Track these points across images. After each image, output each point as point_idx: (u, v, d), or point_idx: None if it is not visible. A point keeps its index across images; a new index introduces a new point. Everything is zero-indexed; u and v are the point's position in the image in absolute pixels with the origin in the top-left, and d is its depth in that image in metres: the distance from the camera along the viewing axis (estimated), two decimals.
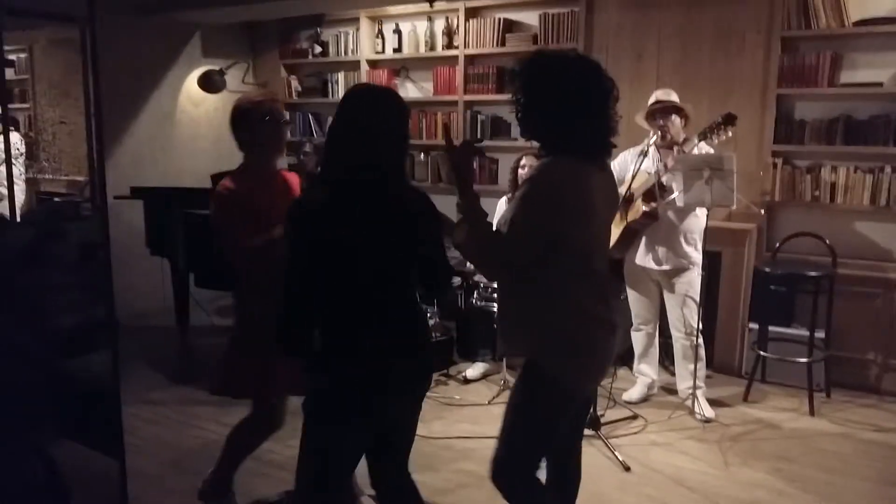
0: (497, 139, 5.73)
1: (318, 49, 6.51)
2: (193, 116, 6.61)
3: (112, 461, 3.05)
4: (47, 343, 3.19)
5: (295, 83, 6.72)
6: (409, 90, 6.19)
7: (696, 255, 4.04)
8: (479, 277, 4.54)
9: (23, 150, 5.62)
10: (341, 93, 6.26)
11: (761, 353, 4.38)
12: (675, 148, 3.96)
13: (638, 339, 4.29)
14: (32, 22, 4.71)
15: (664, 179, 3.93)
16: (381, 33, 6.21)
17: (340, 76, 6.42)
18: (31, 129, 6.36)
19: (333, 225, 2.02)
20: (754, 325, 4.58)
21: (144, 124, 6.19)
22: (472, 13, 5.76)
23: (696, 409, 4.04)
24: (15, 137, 5.38)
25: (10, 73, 6.50)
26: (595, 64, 2.14)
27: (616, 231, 3.87)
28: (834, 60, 4.46)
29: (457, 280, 4.96)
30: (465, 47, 5.75)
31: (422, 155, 6.09)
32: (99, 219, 3.02)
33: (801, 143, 4.60)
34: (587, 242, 2.14)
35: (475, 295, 4.52)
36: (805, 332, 4.29)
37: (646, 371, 4.31)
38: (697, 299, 4.02)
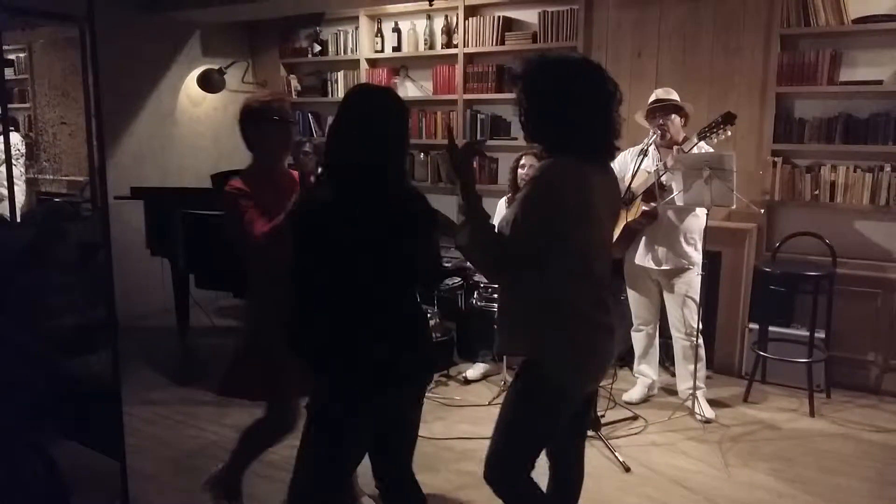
0: (497, 138, 5.72)
1: (317, 48, 6.50)
2: (193, 116, 6.61)
3: (112, 461, 3.05)
4: (47, 343, 3.20)
5: (294, 82, 6.72)
6: (409, 89, 6.18)
7: (696, 255, 4.03)
8: (479, 278, 4.53)
9: (23, 150, 5.62)
10: (341, 92, 6.30)
11: (761, 353, 4.38)
12: (675, 147, 3.96)
13: (638, 339, 4.29)
14: (32, 21, 4.71)
15: (664, 179, 3.92)
16: (380, 32, 6.20)
17: (340, 75, 6.41)
18: (31, 129, 6.35)
19: (336, 225, 2.02)
20: (754, 326, 4.58)
21: (144, 124, 6.19)
22: (471, 11, 5.75)
23: (697, 410, 4.04)
24: (15, 138, 5.38)
25: (9, 73, 6.49)
26: (597, 66, 2.14)
27: (615, 230, 3.87)
28: (833, 58, 4.46)
29: (457, 280, 4.96)
30: (464, 46, 5.74)
31: (421, 154, 6.08)
32: (99, 219, 3.02)
33: (801, 141, 4.60)
34: (587, 244, 2.13)
35: (475, 295, 4.52)
36: (805, 333, 4.29)
37: (646, 372, 4.31)
38: (697, 299, 4.02)
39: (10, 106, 6.25)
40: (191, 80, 6.50)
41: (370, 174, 2.07)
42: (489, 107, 5.82)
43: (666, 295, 4.15)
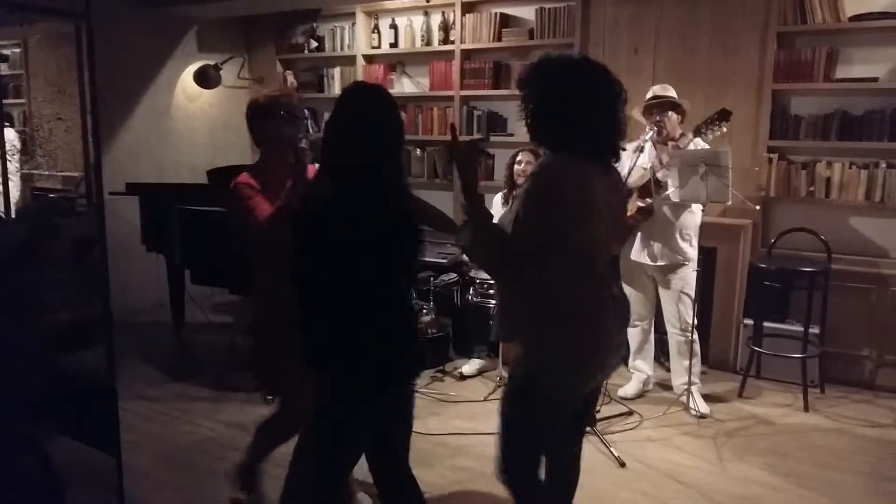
0: (494, 135, 5.72)
1: (313, 44, 6.49)
2: (189, 112, 6.60)
3: (107, 457, 3.05)
4: (42, 339, 3.19)
5: (291, 78, 6.70)
6: (406, 85, 6.17)
7: (692, 251, 4.04)
8: (475, 274, 4.54)
9: (18, 146, 5.61)
10: (337, 88, 6.30)
11: (756, 348, 4.40)
12: (671, 143, 3.96)
13: (633, 335, 4.30)
14: (29, 17, 4.70)
15: (660, 175, 3.93)
16: (377, 28, 6.19)
17: (336, 71, 6.40)
18: (26, 125, 6.34)
19: (337, 224, 2.02)
20: (749, 321, 4.59)
21: (140, 120, 6.18)
22: (468, 8, 5.74)
23: (691, 405, 4.05)
24: (10, 134, 5.37)
25: (4, 68, 6.48)
26: (602, 66, 2.13)
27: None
28: (829, 55, 4.46)
29: (453, 276, 4.97)
30: (461, 42, 5.74)
31: (418, 151, 6.08)
32: (94, 215, 3.02)
33: (797, 138, 4.61)
34: (587, 242, 2.11)
35: (471, 291, 4.52)
36: (800, 328, 4.31)
37: (641, 367, 4.32)
38: (693, 295, 4.03)
39: (4, 101, 6.25)
40: (187, 75, 6.49)
41: (369, 173, 2.07)
42: (486, 103, 5.81)
43: (661, 290, 4.16)
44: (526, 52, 5.56)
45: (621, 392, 4.26)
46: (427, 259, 5.20)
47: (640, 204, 3.92)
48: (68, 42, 3.22)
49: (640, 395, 4.28)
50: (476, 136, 5.66)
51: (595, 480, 3.31)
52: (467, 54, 5.79)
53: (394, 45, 6.13)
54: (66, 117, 5.85)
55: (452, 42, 5.80)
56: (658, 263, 4.06)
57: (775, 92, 4.62)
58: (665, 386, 4.39)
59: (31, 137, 6.24)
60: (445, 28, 5.84)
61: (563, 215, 2.03)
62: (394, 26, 6.10)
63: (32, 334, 3.16)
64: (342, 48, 6.37)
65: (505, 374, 4.51)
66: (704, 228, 4.04)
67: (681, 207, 3.98)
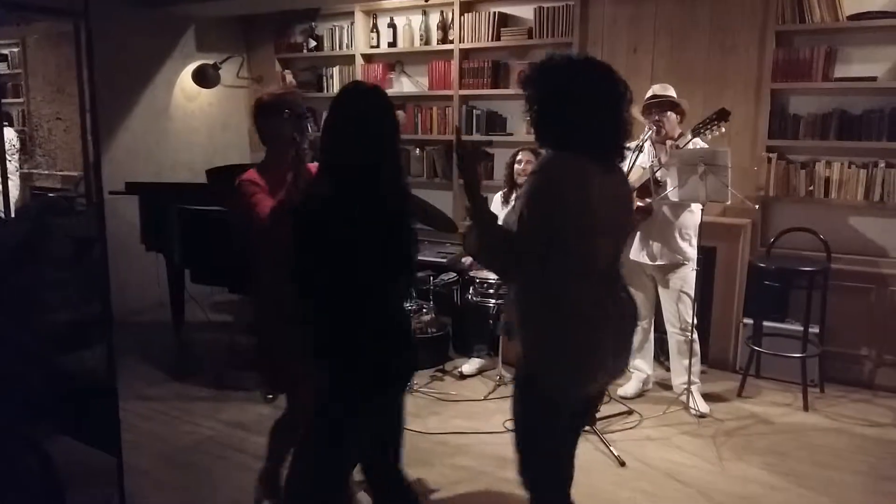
0: (493, 134, 5.73)
1: (312, 43, 6.48)
2: (188, 111, 6.59)
3: (108, 457, 3.05)
4: (42, 339, 3.19)
5: (289, 77, 6.70)
6: (405, 84, 6.17)
7: (691, 251, 4.05)
8: (475, 273, 4.54)
9: (17, 145, 5.61)
10: (336, 87, 6.29)
11: (755, 348, 4.40)
12: (669, 143, 3.97)
13: None
14: (28, 16, 4.69)
15: (658, 175, 3.93)
16: (375, 27, 6.19)
17: (335, 70, 6.40)
18: (25, 124, 6.33)
19: (337, 224, 2.02)
20: (748, 321, 4.59)
21: (139, 119, 6.17)
22: (466, 7, 5.74)
23: (691, 405, 4.05)
24: (10, 134, 5.36)
25: (2, 68, 6.48)
26: (607, 67, 2.12)
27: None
28: (828, 55, 4.47)
29: (452, 275, 4.97)
30: (460, 41, 5.74)
31: (417, 150, 6.08)
32: (94, 214, 3.02)
33: (796, 137, 4.61)
34: (588, 242, 2.09)
35: (471, 291, 4.52)
36: (799, 328, 4.31)
37: (641, 366, 4.32)
38: (692, 294, 4.03)
39: (3, 101, 6.25)
40: (185, 75, 6.49)
41: (367, 172, 2.08)
42: (485, 102, 5.81)
43: (661, 290, 4.16)
44: (525, 52, 5.56)
45: (621, 391, 4.26)
46: (427, 258, 5.21)
47: (640, 203, 3.94)
48: (67, 41, 3.21)
49: (640, 395, 4.28)
50: (479, 141, 5.66)
51: (595, 479, 3.32)
52: (466, 53, 5.79)
53: (392, 44, 6.13)
54: (65, 117, 5.85)
55: (451, 41, 5.79)
56: (657, 263, 4.06)
57: (774, 91, 4.62)
58: (665, 385, 4.39)
59: (31, 137, 6.24)
60: (444, 27, 5.84)
61: (564, 213, 2.02)
62: (392, 25, 6.09)
63: (32, 334, 3.16)
64: (341, 47, 6.36)
65: (505, 373, 4.52)
66: (704, 228, 4.05)
67: (680, 207, 3.99)
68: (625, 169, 3.86)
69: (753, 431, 3.89)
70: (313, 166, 2.87)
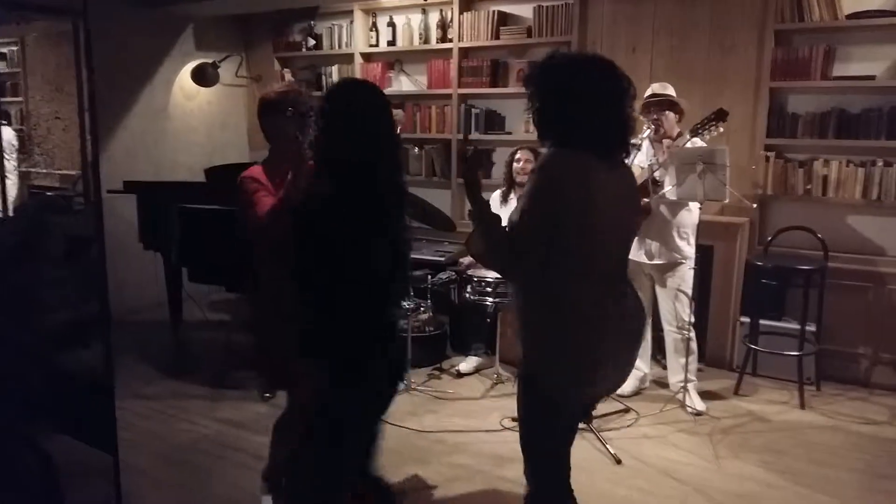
0: (491, 133, 5.73)
1: (311, 42, 6.48)
2: (187, 110, 6.59)
3: (105, 455, 3.05)
4: (40, 338, 3.20)
5: (288, 76, 6.70)
6: (404, 83, 6.17)
7: (689, 250, 4.05)
8: (472, 272, 4.54)
9: (16, 144, 5.60)
10: None
11: (752, 346, 4.41)
12: (667, 142, 3.97)
13: None
14: (27, 16, 4.69)
15: (657, 174, 3.94)
16: (374, 26, 6.19)
17: (334, 69, 6.40)
18: (24, 123, 6.33)
19: (337, 223, 2.03)
20: (746, 319, 4.60)
21: (137, 118, 6.18)
22: (466, 6, 5.74)
23: (688, 403, 4.06)
24: (8, 133, 5.36)
25: (1, 66, 6.47)
26: (610, 63, 2.11)
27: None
28: (827, 53, 4.47)
29: (450, 274, 4.97)
30: (459, 40, 5.74)
31: (416, 149, 6.08)
32: (92, 213, 3.02)
33: (794, 136, 4.61)
34: (590, 241, 2.06)
35: (468, 289, 4.52)
36: (796, 326, 4.31)
37: (638, 364, 4.31)
38: (690, 293, 4.04)
39: (2, 99, 6.24)
40: (184, 73, 6.49)
41: (364, 169, 2.08)
42: (484, 101, 5.82)
43: (658, 289, 4.17)
44: (524, 51, 5.56)
45: (618, 389, 4.26)
46: (425, 257, 5.21)
47: None
48: (66, 40, 3.22)
49: (637, 393, 4.28)
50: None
51: (591, 477, 3.32)
52: (465, 52, 5.79)
53: (392, 43, 6.13)
54: (64, 115, 5.84)
55: (450, 40, 5.79)
56: (655, 262, 4.06)
57: (773, 90, 4.62)
58: (662, 383, 4.40)
59: (29, 136, 6.24)
60: (443, 26, 5.84)
61: (565, 212, 2.00)
62: (392, 24, 6.09)
63: (30, 333, 3.16)
64: (340, 46, 6.36)
65: (502, 371, 4.53)
66: (702, 226, 4.05)
67: (678, 206, 3.99)
68: None
69: (750, 429, 3.89)
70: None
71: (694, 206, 4.01)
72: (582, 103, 2.06)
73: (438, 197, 5.48)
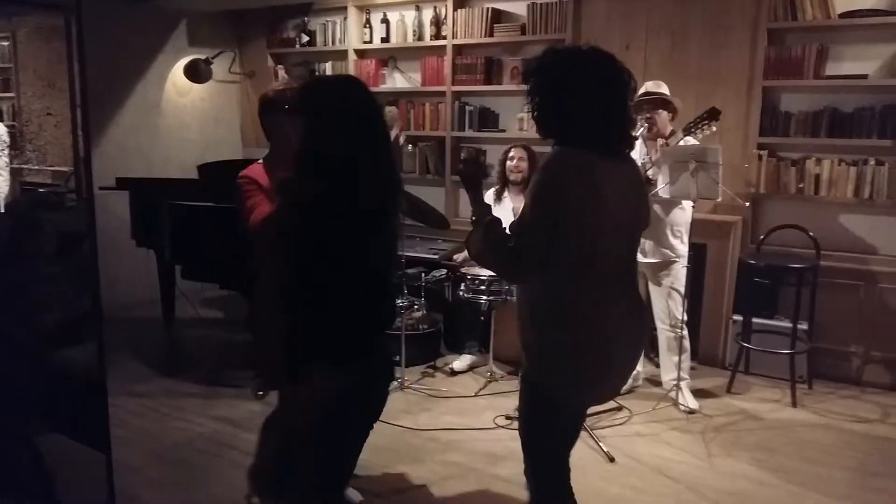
0: (485, 130, 5.73)
1: (305, 38, 6.47)
2: (179, 106, 6.57)
3: (98, 453, 3.04)
4: (32, 335, 3.18)
5: (282, 73, 6.68)
6: (397, 80, 6.17)
7: (682, 248, 4.06)
8: (466, 270, 4.55)
9: (7, 140, 5.57)
10: None
11: (745, 344, 4.43)
12: (660, 140, 3.98)
13: None
14: (20, 11, 4.66)
15: (650, 172, 3.94)
16: (368, 23, 6.18)
17: (328, 66, 6.38)
18: (15, 119, 6.29)
19: (328, 219, 2.02)
20: (738, 317, 4.62)
21: (130, 114, 6.15)
22: (460, 3, 5.74)
23: (681, 401, 4.07)
24: (0, 129, 5.33)
25: None
26: (609, 56, 2.08)
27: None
28: (819, 52, 4.48)
29: (443, 272, 4.98)
30: (453, 37, 5.73)
31: (410, 146, 6.07)
32: (84, 209, 3.00)
33: (787, 135, 4.63)
34: (592, 241, 2.03)
35: (462, 287, 4.53)
36: (788, 324, 4.33)
37: None
38: (683, 291, 4.05)
39: None
40: (177, 69, 6.46)
41: (352, 164, 2.07)
42: (478, 98, 5.81)
43: (651, 287, 4.17)
44: (518, 48, 5.56)
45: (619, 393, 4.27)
46: (418, 255, 5.21)
47: None
48: (58, 36, 3.20)
49: (630, 391, 4.29)
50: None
51: (584, 476, 3.32)
52: (459, 49, 5.78)
53: (385, 39, 6.12)
54: (56, 112, 5.81)
55: (444, 37, 5.79)
56: (648, 260, 4.07)
57: (765, 89, 4.64)
58: (654, 381, 4.41)
59: (21, 132, 6.20)
60: (437, 23, 5.83)
61: (566, 212, 1.98)
62: (385, 21, 6.08)
63: (22, 330, 3.15)
64: (334, 43, 6.35)
65: (496, 369, 4.53)
66: (695, 225, 4.06)
67: (671, 204, 4.00)
68: None
69: (742, 427, 3.91)
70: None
71: (687, 205, 4.02)
72: (583, 97, 2.03)
73: (432, 194, 5.48)
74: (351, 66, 6.21)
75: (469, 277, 4.45)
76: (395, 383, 4.25)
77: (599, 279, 2.07)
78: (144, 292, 5.52)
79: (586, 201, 2.00)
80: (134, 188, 5.06)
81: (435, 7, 5.84)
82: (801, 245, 4.55)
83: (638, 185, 2.25)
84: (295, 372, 2.37)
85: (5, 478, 2.85)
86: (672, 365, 4.13)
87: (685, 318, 4.08)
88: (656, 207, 4.01)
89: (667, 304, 4.10)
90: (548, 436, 2.22)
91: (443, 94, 5.84)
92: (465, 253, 4.69)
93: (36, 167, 6.06)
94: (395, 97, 6.07)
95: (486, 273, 4.35)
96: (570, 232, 2.00)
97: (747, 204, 4.51)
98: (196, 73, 6.42)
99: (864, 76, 4.40)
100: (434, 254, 5.25)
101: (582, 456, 3.50)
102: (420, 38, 5.95)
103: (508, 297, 4.32)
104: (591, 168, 2.02)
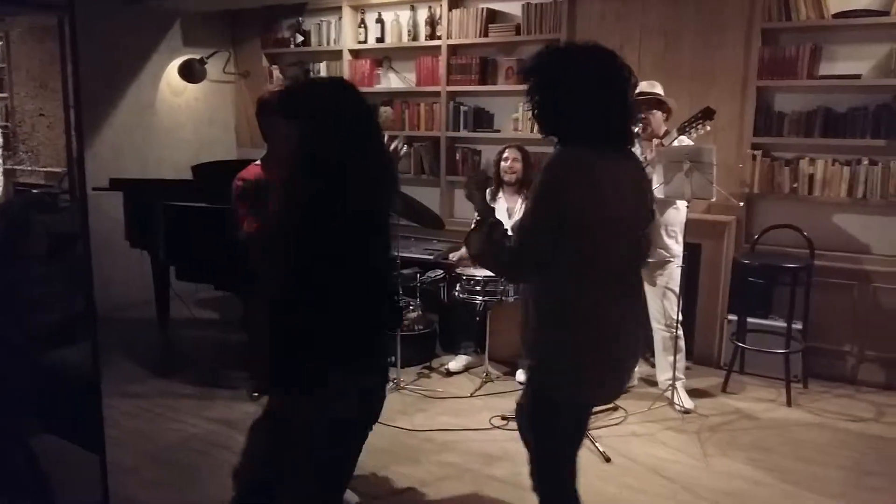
0: (480, 131, 5.73)
1: (299, 38, 6.45)
2: (174, 106, 6.55)
3: (92, 454, 3.03)
4: (26, 336, 3.17)
5: (276, 73, 6.67)
6: (392, 80, 6.16)
7: (677, 248, 4.07)
8: (461, 270, 4.54)
9: (1, 141, 5.55)
10: None
11: (740, 344, 4.43)
12: (655, 140, 3.99)
13: None
14: (12, 11, 4.64)
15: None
16: (363, 23, 6.17)
17: (323, 66, 6.37)
18: (8, 119, 6.26)
19: (325, 219, 2.02)
20: (733, 317, 4.63)
21: (124, 114, 6.13)
22: (455, 3, 5.73)
23: (676, 401, 4.08)
24: None
25: None
26: (609, 52, 2.07)
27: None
28: (813, 52, 4.49)
29: (439, 272, 4.97)
30: (448, 37, 5.73)
31: (405, 146, 6.04)
32: (78, 210, 2.99)
33: (781, 135, 4.63)
34: (594, 241, 2.02)
35: (457, 288, 4.52)
36: (783, 324, 4.34)
37: None
38: (677, 291, 4.06)
39: None
40: (171, 69, 6.44)
41: (344, 166, 2.06)
42: (472, 99, 5.81)
43: (646, 287, 4.17)
44: (512, 48, 5.56)
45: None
46: (414, 255, 5.20)
47: None
48: (51, 36, 3.18)
49: (626, 391, 4.29)
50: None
51: (581, 476, 3.29)
52: (454, 50, 5.78)
53: (380, 39, 6.11)
54: (49, 112, 5.79)
55: (439, 37, 5.78)
56: None
57: (759, 89, 4.64)
58: (650, 381, 4.42)
59: (14, 133, 6.17)
60: (432, 23, 5.83)
61: (570, 211, 1.97)
62: (380, 21, 6.07)
63: (16, 331, 3.13)
64: (328, 43, 6.34)
65: (491, 370, 4.53)
66: (689, 225, 4.07)
67: (666, 204, 4.00)
68: None
69: (738, 427, 3.92)
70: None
71: (681, 205, 4.03)
72: (583, 94, 2.02)
73: (427, 195, 5.47)
74: (345, 67, 6.20)
75: (465, 278, 4.45)
76: (390, 384, 4.24)
77: (600, 278, 2.06)
78: (138, 293, 5.50)
79: (588, 201, 1.99)
80: (128, 189, 5.04)
81: (430, 7, 5.84)
82: (796, 245, 4.56)
83: (641, 182, 2.23)
84: (292, 374, 2.37)
85: (0, 478, 2.84)
86: (667, 365, 4.14)
87: (680, 317, 4.09)
88: None
89: (662, 304, 4.11)
90: (548, 436, 2.21)
91: (438, 94, 5.84)
92: (462, 251, 4.70)
93: (29, 168, 6.04)
94: (390, 97, 6.07)
95: (481, 273, 4.35)
96: (572, 232, 1.99)
97: (741, 204, 4.52)
98: (190, 72, 6.40)
99: (858, 76, 4.42)
100: (429, 254, 5.25)
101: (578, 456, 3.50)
102: (415, 38, 5.95)
103: (504, 298, 4.32)
104: (593, 167, 2.01)
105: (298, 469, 2.22)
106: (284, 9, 6.44)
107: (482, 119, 5.76)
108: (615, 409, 4.06)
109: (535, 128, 5.49)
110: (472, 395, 4.31)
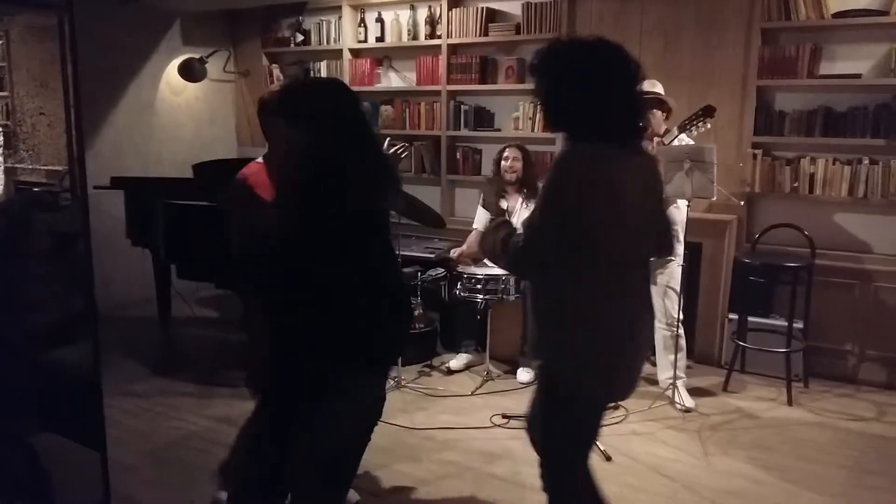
0: (480, 130, 5.73)
1: (299, 37, 6.45)
2: (174, 105, 6.55)
3: (93, 453, 3.03)
4: (27, 335, 3.17)
5: (277, 72, 6.67)
6: (392, 80, 6.16)
7: (678, 247, 4.06)
8: (462, 268, 4.54)
9: (1, 140, 5.55)
10: None
11: (741, 343, 4.43)
12: (656, 139, 3.99)
13: None
14: (8, 9, 4.64)
15: None
16: (363, 22, 6.17)
17: (323, 65, 6.38)
18: (9, 118, 6.26)
19: (325, 218, 2.02)
20: (734, 316, 4.62)
21: (124, 113, 6.13)
22: (455, 2, 5.73)
23: (677, 399, 4.08)
24: None
25: None
26: (616, 46, 2.06)
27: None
28: (813, 52, 4.49)
29: (440, 271, 4.97)
30: (448, 37, 5.73)
31: (405, 146, 6.04)
32: (78, 209, 2.99)
33: (781, 134, 4.63)
34: (605, 235, 2.02)
35: (458, 286, 4.53)
36: (784, 323, 4.34)
37: None
38: (678, 290, 4.06)
39: None
40: (171, 69, 6.44)
41: (346, 168, 2.06)
42: (473, 98, 5.81)
43: None
44: (512, 48, 5.56)
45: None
46: (414, 254, 5.20)
47: None
48: (51, 35, 3.19)
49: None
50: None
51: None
52: (454, 49, 5.78)
53: (380, 39, 6.11)
54: (49, 111, 5.78)
55: (439, 37, 5.78)
56: None
57: (760, 88, 4.64)
58: (650, 380, 4.41)
59: (14, 132, 6.17)
60: (432, 22, 5.83)
61: (580, 208, 1.97)
62: (380, 20, 6.08)
63: (16, 330, 3.13)
64: (328, 42, 6.34)
65: (492, 368, 4.53)
66: (690, 224, 4.07)
67: (666, 203, 4.00)
68: None
69: (738, 426, 3.92)
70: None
71: (682, 204, 4.03)
72: (590, 88, 2.01)
73: (428, 193, 5.47)
74: (346, 66, 6.20)
75: (465, 276, 4.45)
76: (391, 382, 4.25)
77: (608, 275, 2.06)
78: (139, 291, 5.50)
79: (597, 198, 1.98)
80: (129, 187, 5.04)
81: (430, 6, 5.84)
82: (796, 244, 4.56)
83: (652, 178, 2.21)
84: (292, 374, 2.36)
85: (1, 477, 2.84)
86: (668, 363, 4.14)
87: (681, 316, 4.09)
88: None
89: (663, 303, 4.11)
90: (556, 434, 2.21)
91: (438, 93, 5.84)
92: (462, 248, 4.70)
93: (30, 167, 6.04)
94: (391, 96, 6.07)
95: (482, 272, 4.35)
96: (581, 228, 1.99)
97: (742, 203, 4.53)
98: (190, 72, 6.40)
99: (858, 76, 4.42)
100: (430, 253, 5.25)
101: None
102: (415, 37, 5.95)
103: (505, 297, 4.32)
104: (603, 164, 2.01)
105: (301, 470, 2.22)
106: (284, 8, 6.44)
107: (483, 118, 5.76)
108: (616, 407, 4.06)
109: (536, 127, 5.53)
110: (472, 394, 4.31)
